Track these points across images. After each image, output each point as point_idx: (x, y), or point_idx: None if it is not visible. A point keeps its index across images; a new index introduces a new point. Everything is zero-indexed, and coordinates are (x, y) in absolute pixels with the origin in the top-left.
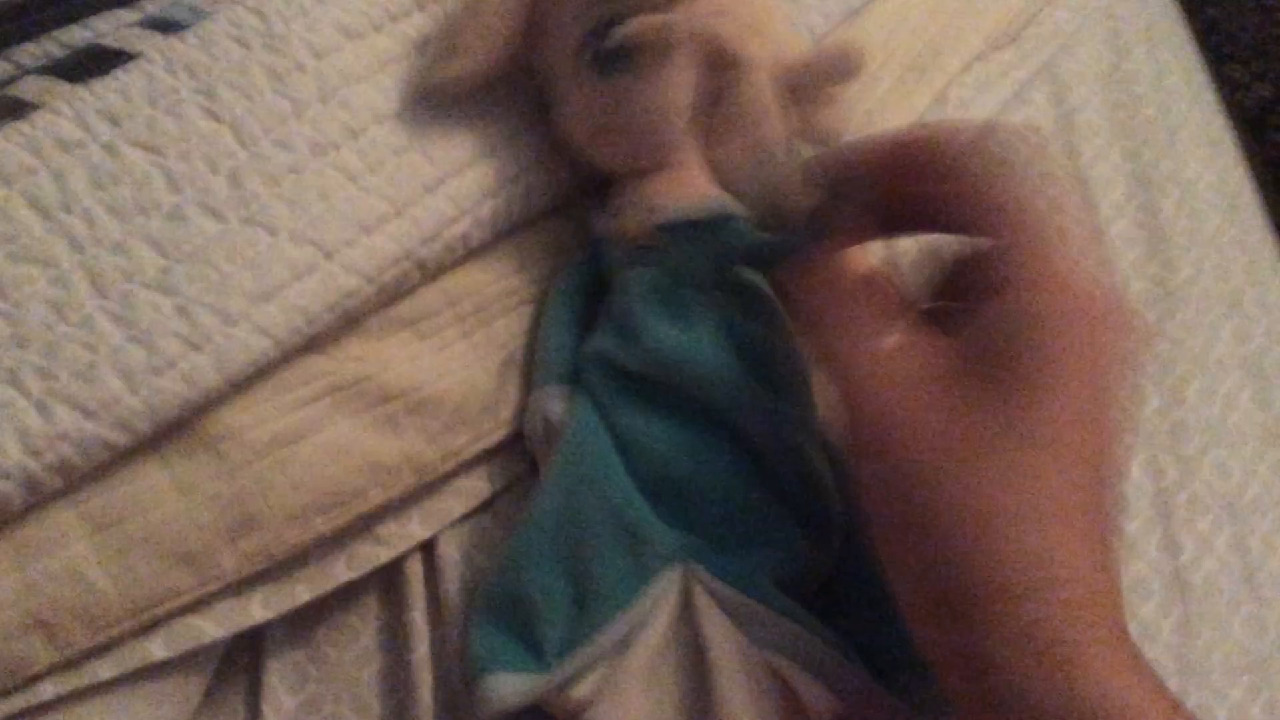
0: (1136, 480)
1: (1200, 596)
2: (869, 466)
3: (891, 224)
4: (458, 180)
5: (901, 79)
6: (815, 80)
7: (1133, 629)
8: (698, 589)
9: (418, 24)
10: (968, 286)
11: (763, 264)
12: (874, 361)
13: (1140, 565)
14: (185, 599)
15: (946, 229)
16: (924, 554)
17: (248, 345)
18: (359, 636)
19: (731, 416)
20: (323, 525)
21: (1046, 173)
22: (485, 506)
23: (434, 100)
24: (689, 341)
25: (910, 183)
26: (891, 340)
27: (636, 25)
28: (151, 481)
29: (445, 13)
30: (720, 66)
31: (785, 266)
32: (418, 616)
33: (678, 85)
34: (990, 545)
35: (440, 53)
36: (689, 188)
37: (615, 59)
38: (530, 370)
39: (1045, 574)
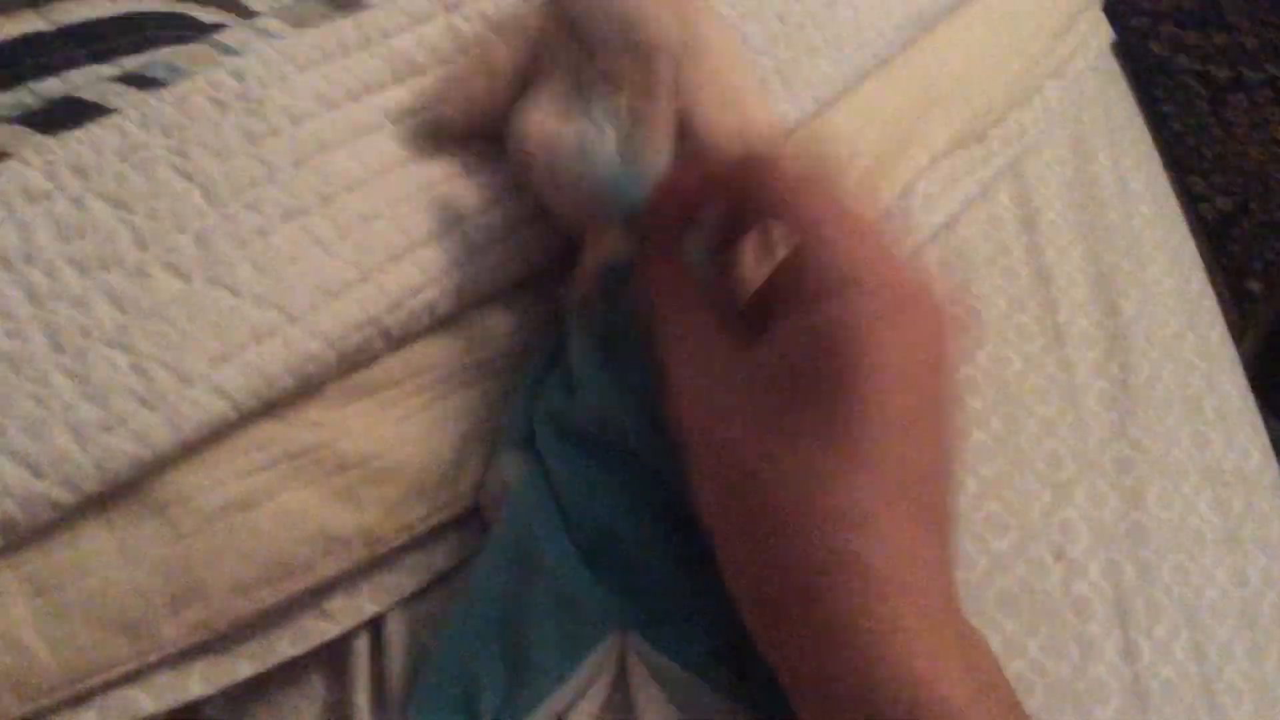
0: (1095, 582)
1: (1159, 703)
2: (698, 468)
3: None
4: (426, 249)
5: (868, 173)
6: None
7: None
8: (634, 660)
9: (394, 96)
10: (788, 289)
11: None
12: (702, 366)
13: (1099, 668)
14: (123, 669)
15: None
16: (743, 556)
17: (204, 406)
18: (300, 716)
19: (666, 474)
20: (269, 597)
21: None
22: (438, 583)
23: (421, 145)
24: (621, 393)
25: (736, 196)
26: (720, 344)
27: (630, 105)
28: (96, 545)
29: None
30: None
31: (637, 278)
32: (362, 698)
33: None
34: (795, 545)
35: (440, 92)
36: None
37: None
38: (486, 445)
39: (847, 573)
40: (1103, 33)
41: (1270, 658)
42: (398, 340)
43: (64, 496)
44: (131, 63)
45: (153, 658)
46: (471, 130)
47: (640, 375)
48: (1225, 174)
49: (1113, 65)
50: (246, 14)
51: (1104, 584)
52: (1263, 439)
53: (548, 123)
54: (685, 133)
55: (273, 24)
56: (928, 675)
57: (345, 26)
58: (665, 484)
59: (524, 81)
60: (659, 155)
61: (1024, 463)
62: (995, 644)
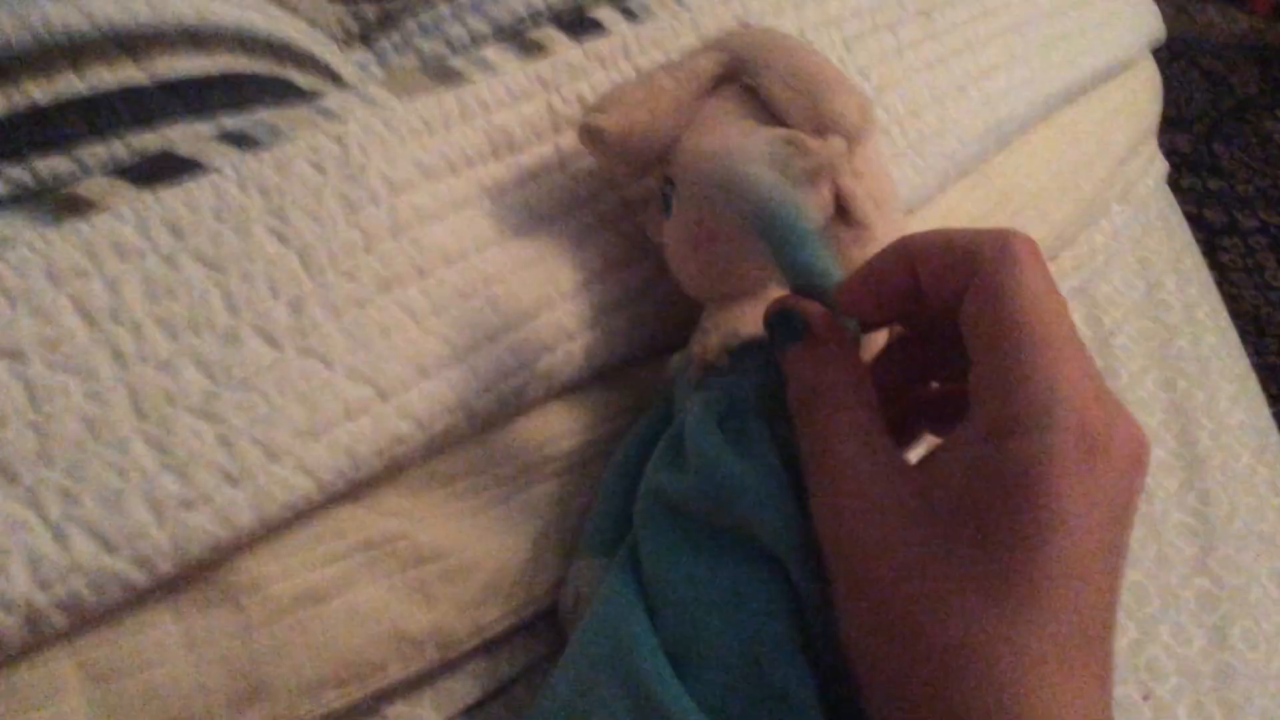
0: None
1: None
2: (839, 591)
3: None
4: (519, 332)
5: None
6: None
7: None
8: None
9: (493, 171)
10: (969, 409)
11: None
12: (854, 481)
13: None
14: None
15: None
16: (890, 701)
17: (289, 485)
18: None
19: (780, 556)
20: (336, 700)
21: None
22: (500, 692)
23: (519, 222)
24: (742, 466)
25: (931, 283)
26: (880, 460)
27: (796, 139)
28: (160, 634)
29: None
30: (840, 221)
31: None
32: None
33: None
34: (952, 701)
35: (600, 103)
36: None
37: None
38: (564, 544)
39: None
40: (1159, 161)
41: None
42: (482, 426)
43: (137, 576)
44: (230, 121)
45: None
46: (621, 149)
47: (768, 463)
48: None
49: (1168, 194)
50: (341, 82)
51: None
52: None
53: (734, 148)
54: (840, 217)
55: (376, 93)
56: None
57: (448, 99)
58: (789, 584)
59: (685, 120)
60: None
61: None
62: None
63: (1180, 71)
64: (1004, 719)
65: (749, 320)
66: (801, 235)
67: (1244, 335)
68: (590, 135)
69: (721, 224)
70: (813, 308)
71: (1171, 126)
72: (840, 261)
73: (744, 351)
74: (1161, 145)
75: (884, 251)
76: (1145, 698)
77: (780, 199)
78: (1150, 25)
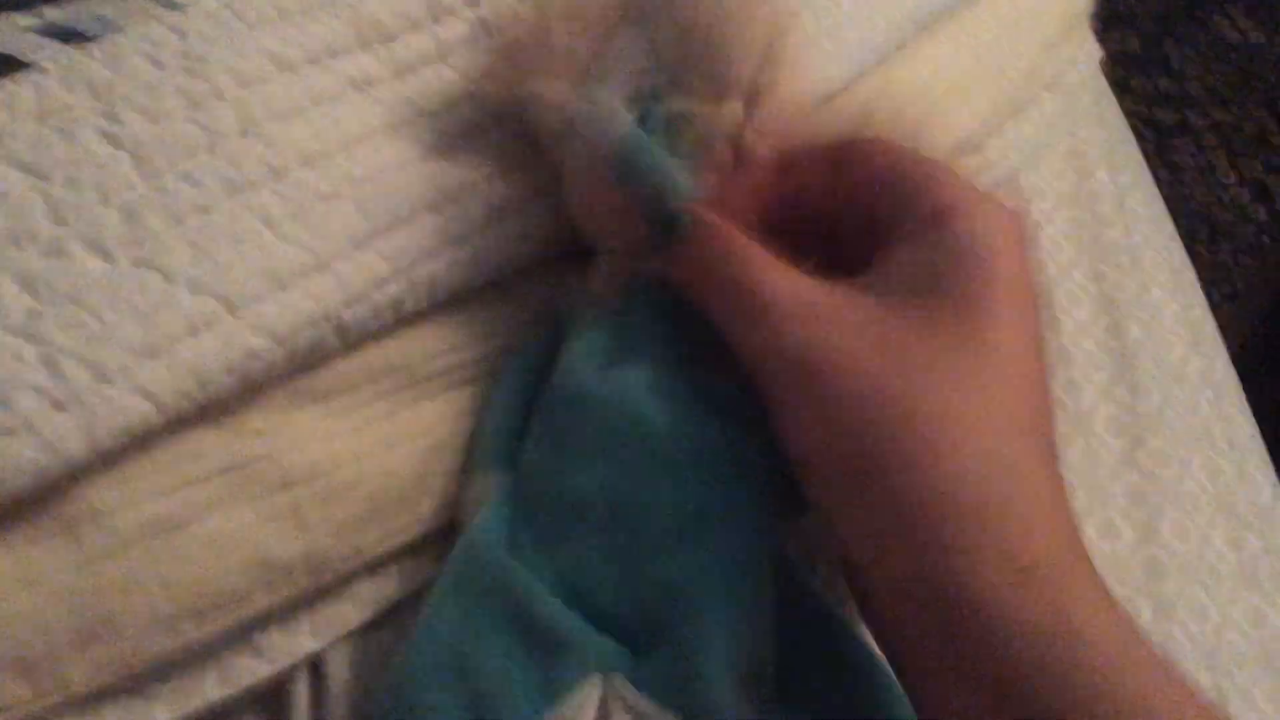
0: None
1: None
2: (807, 414)
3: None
4: (394, 236)
5: None
6: None
7: None
8: (618, 708)
9: (361, 63)
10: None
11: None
12: (791, 302)
13: None
14: (20, 714)
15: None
16: (883, 486)
17: (124, 408)
18: None
19: (672, 461)
20: (194, 632)
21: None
22: (390, 615)
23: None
24: (602, 378)
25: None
26: (815, 292)
27: (679, 110)
28: None
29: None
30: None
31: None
32: None
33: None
34: (954, 455)
35: (489, 65)
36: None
37: (647, 132)
38: (455, 462)
39: (1015, 486)
40: (1091, 48)
41: None
42: (355, 340)
43: None
44: (54, 13)
45: (55, 700)
46: (516, 104)
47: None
48: (1172, 216)
49: (1102, 82)
50: None
51: None
52: (1271, 473)
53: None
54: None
55: None
56: (1118, 624)
57: None
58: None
59: (580, 67)
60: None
61: None
62: None
63: None
64: (995, 484)
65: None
66: (651, 164)
67: (1195, 234)
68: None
69: (578, 173)
70: (690, 204)
71: (1122, 24)
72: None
73: (636, 292)
74: (1112, 44)
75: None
76: None
77: (617, 137)
78: None
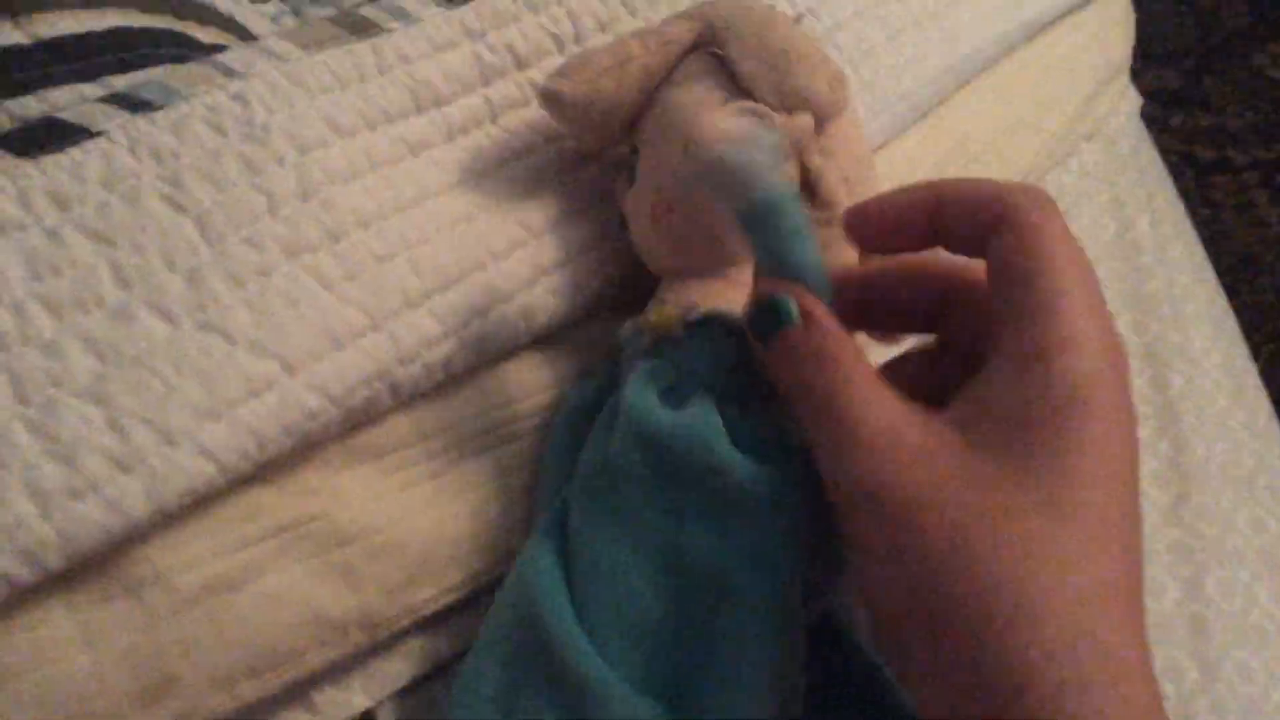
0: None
1: None
2: (882, 553)
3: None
4: (445, 295)
5: None
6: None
7: None
8: None
9: (415, 126)
10: (964, 351)
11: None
12: (882, 434)
13: None
14: None
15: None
16: (955, 647)
17: (187, 469)
18: None
19: (720, 506)
20: (251, 691)
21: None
22: (438, 672)
23: (448, 178)
24: (675, 418)
25: (955, 220)
26: (902, 413)
27: (757, 109)
28: (54, 631)
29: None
30: (809, 202)
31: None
32: None
33: None
34: (1035, 625)
35: (564, 68)
36: (730, 299)
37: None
38: (506, 518)
39: (1097, 665)
40: (1131, 97)
41: None
42: (407, 398)
43: (21, 572)
44: (121, 82)
45: None
46: (583, 117)
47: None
48: (1213, 253)
49: (1142, 130)
50: (249, 36)
51: (1165, 683)
52: None
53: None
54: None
55: (280, 46)
56: None
57: (362, 50)
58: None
59: (653, 89)
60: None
61: None
62: None
63: (1169, 6)
64: (1077, 662)
65: (709, 295)
66: (792, 230)
67: (1236, 273)
68: (550, 101)
69: (683, 200)
70: (806, 295)
71: (1160, 63)
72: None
73: (700, 326)
74: (1150, 82)
75: (909, 186)
76: None
77: (770, 190)
78: None
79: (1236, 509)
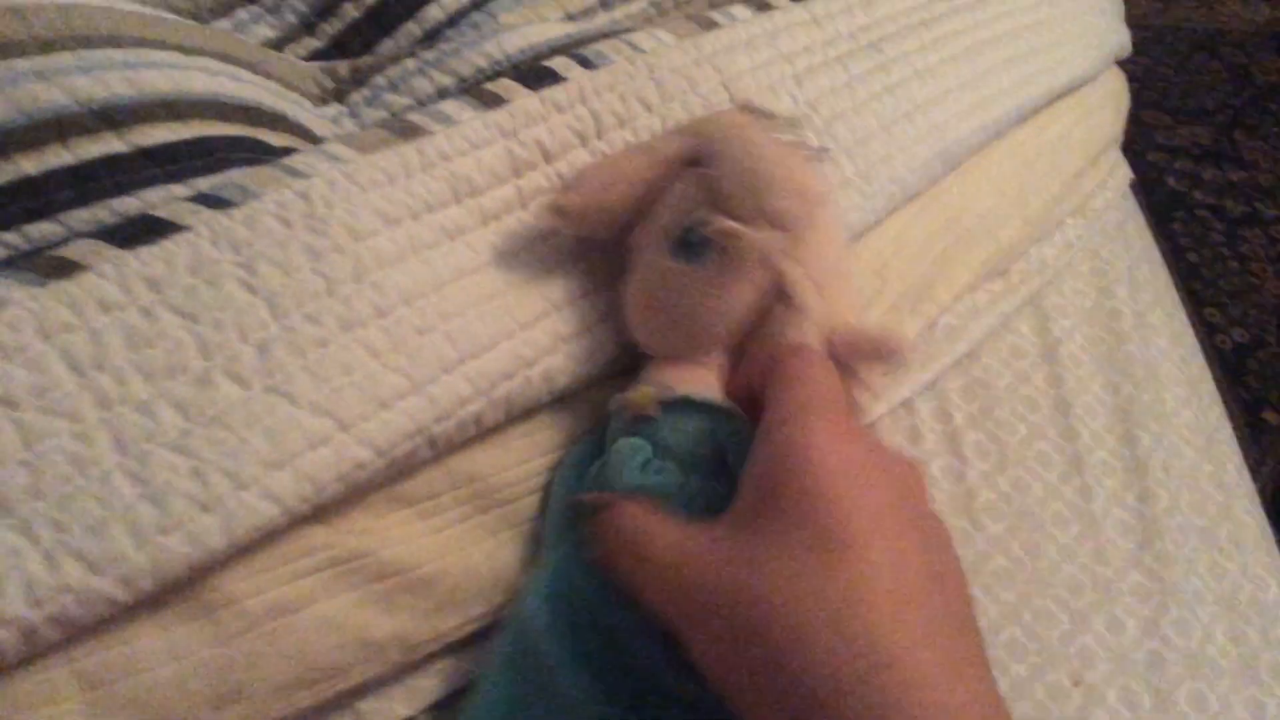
0: (1112, 708)
1: None
2: (701, 642)
3: None
4: (476, 362)
5: (895, 306)
6: (856, 355)
7: None
8: None
9: (454, 215)
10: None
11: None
12: (672, 555)
13: None
14: None
15: None
16: (769, 691)
17: (256, 510)
18: None
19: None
20: (306, 700)
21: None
22: (466, 689)
23: (479, 258)
24: (655, 482)
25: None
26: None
27: (726, 227)
28: (146, 644)
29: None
30: (780, 302)
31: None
32: None
33: (736, 296)
34: (811, 640)
35: (570, 182)
36: (704, 383)
37: (696, 249)
38: (519, 560)
39: (873, 658)
40: (1121, 172)
41: None
42: (442, 450)
43: (120, 594)
44: (204, 183)
45: None
46: (582, 223)
47: (687, 468)
48: (1241, 306)
49: (1131, 203)
50: (314, 139)
51: (1122, 710)
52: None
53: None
54: (776, 296)
55: (339, 149)
56: None
57: (408, 150)
58: None
59: (649, 199)
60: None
61: (1044, 588)
62: None
63: (1201, 63)
64: (864, 663)
65: (685, 380)
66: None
67: (1266, 326)
68: (555, 212)
69: (664, 303)
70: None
71: (1193, 118)
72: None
73: (674, 407)
74: (1183, 137)
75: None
76: (1075, 684)
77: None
78: (1111, 41)
79: (1198, 555)
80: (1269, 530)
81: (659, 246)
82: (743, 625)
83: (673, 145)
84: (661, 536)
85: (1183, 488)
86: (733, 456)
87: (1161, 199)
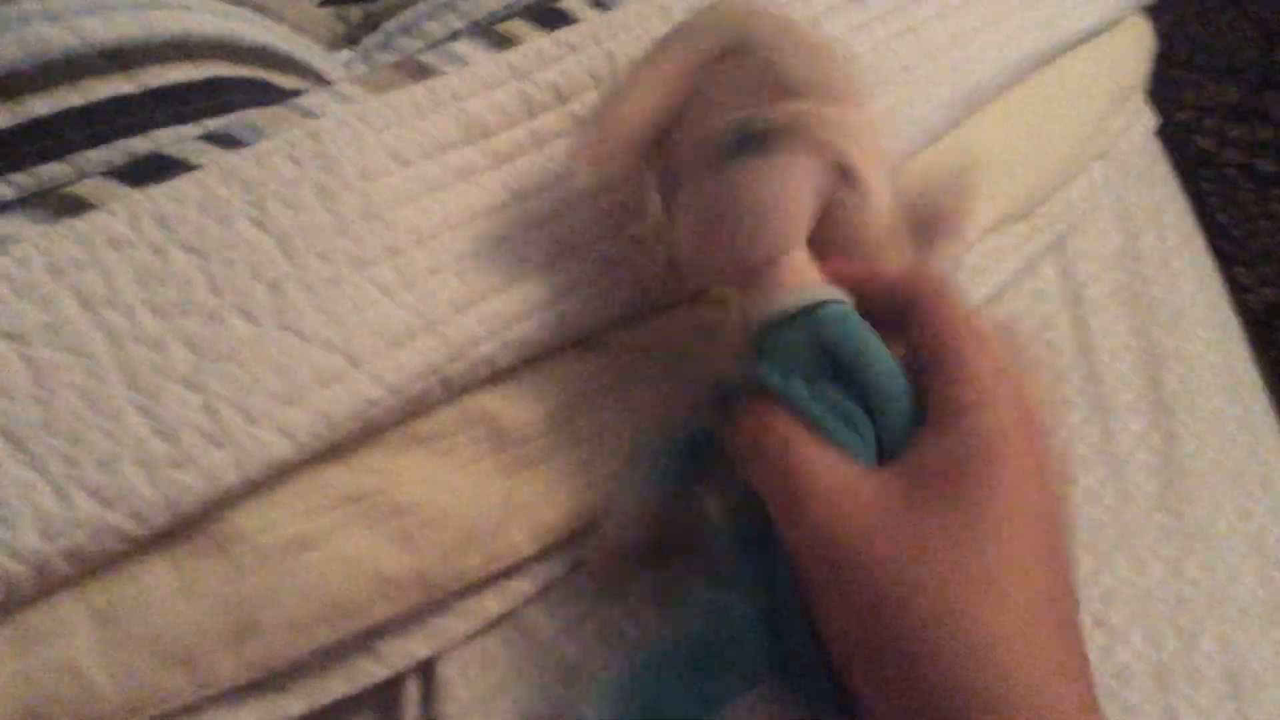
0: (1137, 649)
1: None
2: (835, 596)
3: None
4: (489, 302)
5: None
6: (930, 205)
7: None
8: None
9: (466, 155)
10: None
11: None
12: (827, 490)
13: None
14: (179, 702)
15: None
16: (902, 671)
17: (268, 446)
18: None
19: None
20: (324, 637)
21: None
22: (489, 628)
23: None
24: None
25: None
26: (835, 469)
27: (792, 109)
28: (159, 580)
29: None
30: (843, 184)
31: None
32: None
33: (801, 183)
34: (965, 641)
35: (583, 127)
36: (792, 282)
37: (752, 143)
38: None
39: (1029, 672)
40: (1145, 118)
41: None
42: (456, 391)
43: (132, 528)
44: (214, 123)
45: (209, 692)
46: (614, 165)
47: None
48: (1271, 265)
49: (1156, 148)
50: (325, 83)
51: (1146, 650)
52: None
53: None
54: (839, 177)
55: (350, 89)
56: None
57: (419, 91)
58: None
59: (679, 113)
60: None
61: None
62: None
63: (1230, 21)
64: (1009, 671)
65: (769, 296)
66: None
67: None
68: (581, 158)
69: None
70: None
71: (1221, 76)
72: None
73: (771, 324)
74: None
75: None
76: (1098, 624)
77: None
78: None
79: (1224, 498)
80: None
81: (710, 154)
82: (891, 581)
83: (696, 45)
84: (817, 464)
85: (1209, 431)
86: (849, 356)
87: (1190, 158)
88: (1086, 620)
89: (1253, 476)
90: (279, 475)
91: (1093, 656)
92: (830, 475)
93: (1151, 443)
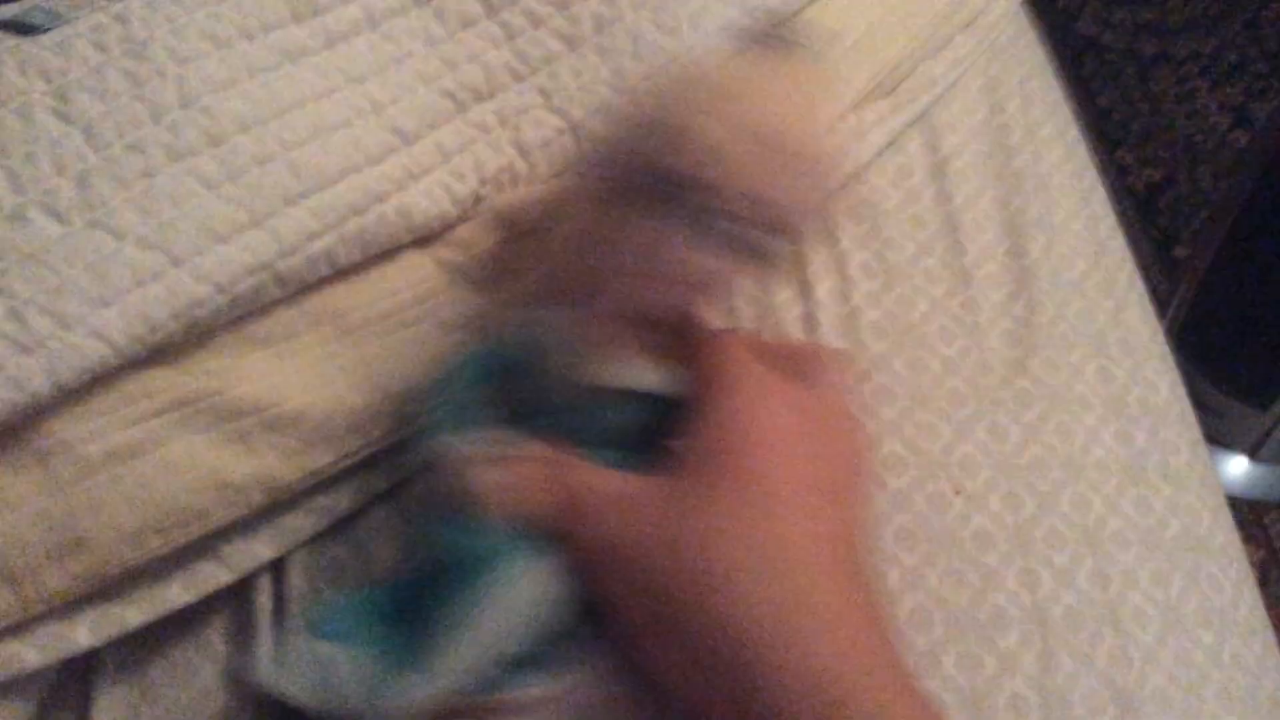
0: (995, 513)
1: (1061, 629)
2: (624, 589)
3: None
4: (321, 195)
5: None
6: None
7: (993, 662)
8: None
9: (293, 35)
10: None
11: None
12: (601, 498)
13: (999, 597)
14: (5, 621)
15: None
16: (693, 645)
17: (83, 351)
18: (198, 673)
19: None
20: (159, 545)
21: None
22: (339, 534)
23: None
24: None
25: None
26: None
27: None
28: None
29: None
30: None
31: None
32: (263, 653)
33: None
34: (745, 602)
35: None
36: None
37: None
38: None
39: (813, 621)
40: None
41: (1175, 582)
42: (294, 289)
43: None
44: (8, 10)
45: (37, 609)
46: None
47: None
48: (1153, 146)
49: (1023, 19)
50: None
51: (1004, 515)
52: (1172, 374)
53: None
54: None
55: None
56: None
57: None
58: None
59: None
60: None
61: (925, 402)
62: (894, 578)
63: None
64: (793, 624)
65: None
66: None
67: (1178, 164)
68: None
69: None
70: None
71: None
72: None
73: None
74: None
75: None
76: (957, 492)
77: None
78: None
79: (1085, 361)
80: (1160, 336)
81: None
82: (673, 566)
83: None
84: (589, 478)
85: (1071, 296)
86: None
87: (1072, 44)
88: (945, 488)
89: (1114, 339)
90: (99, 381)
91: (950, 523)
92: (602, 485)
93: (1013, 311)
